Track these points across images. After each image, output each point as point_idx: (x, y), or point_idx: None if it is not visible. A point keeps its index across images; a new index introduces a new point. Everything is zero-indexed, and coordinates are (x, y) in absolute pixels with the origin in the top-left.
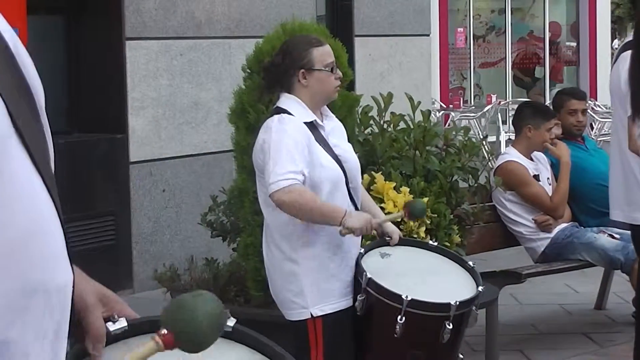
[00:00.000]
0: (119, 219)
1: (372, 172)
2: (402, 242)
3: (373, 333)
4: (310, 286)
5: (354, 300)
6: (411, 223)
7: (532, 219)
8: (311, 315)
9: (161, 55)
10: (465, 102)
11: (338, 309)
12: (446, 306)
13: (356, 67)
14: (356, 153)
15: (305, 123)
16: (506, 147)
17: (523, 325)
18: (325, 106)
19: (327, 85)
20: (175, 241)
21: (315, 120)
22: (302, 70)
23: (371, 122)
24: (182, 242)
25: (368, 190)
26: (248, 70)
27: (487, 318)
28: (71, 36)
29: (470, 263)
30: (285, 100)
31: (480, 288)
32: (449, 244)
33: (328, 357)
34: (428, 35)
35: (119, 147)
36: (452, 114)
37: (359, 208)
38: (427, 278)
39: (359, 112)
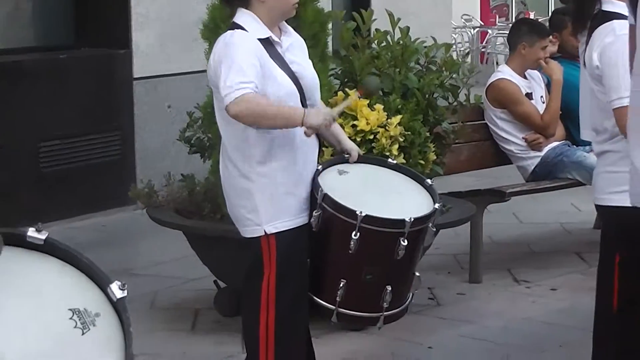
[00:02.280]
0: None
1: (346, 89)
2: (361, 160)
3: (328, 249)
4: (264, 203)
5: (310, 217)
6: (383, 141)
7: (522, 138)
8: (265, 232)
9: None
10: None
11: (292, 227)
12: (400, 222)
13: None
14: (336, 69)
15: (259, 39)
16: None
17: (518, 244)
18: (285, 22)
19: (283, 2)
20: (181, 157)
21: (270, 36)
22: None
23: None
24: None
25: None
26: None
27: (471, 235)
28: None
29: (428, 181)
30: (241, 16)
31: (436, 205)
32: (423, 162)
33: (281, 275)
34: None
35: (123, 62)
36: (489, 31)
37: None
38: (384, 195)
39: (343, 29)
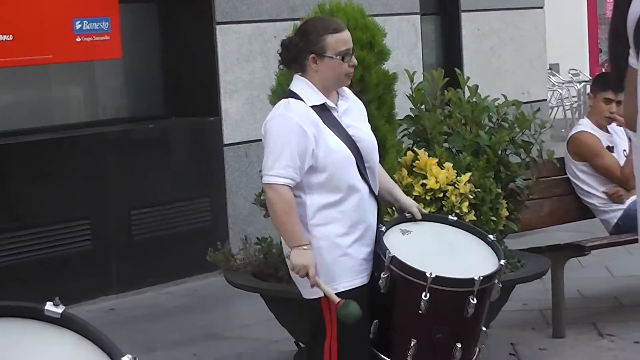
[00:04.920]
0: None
1: (415, 149)
2: (423, 218)
3: (397, 310)
4: (323, 265)
5: (371, 277)
6: (453, 198)
7: (603, 191)
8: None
9: (254, 38)
10: None
11: (351, 287)
12: (470, 281)
13: (464, 43)
14: (409, 129)
15: (314, 106)
16: None
17: (607, 297)
18: (344, 87)
19: (336, 72)
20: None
21: (325, 102)
22: (313, 55)
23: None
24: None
25: (411, 166)
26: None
27: (552, 290)
28: (163, 23)
29: (491, 237)
30: (296, 83)
31: (502, 262)
32: (495, 219)
33: (343, 334)
34: (541, 7)
35: (213, 129)
36: None
37: (373, 187)
38: (449, 253)
39: (412, 89)
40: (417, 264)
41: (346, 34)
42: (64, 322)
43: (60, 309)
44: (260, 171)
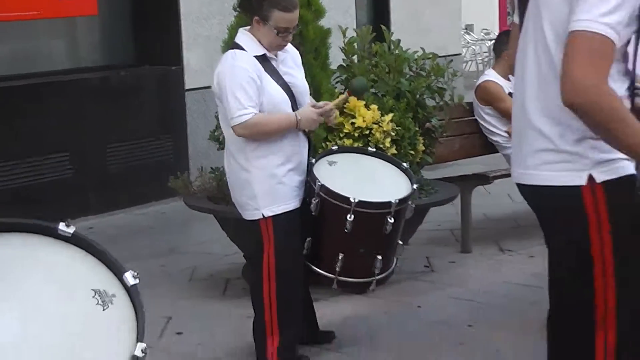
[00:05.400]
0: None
1: (350, 96)
2: (345, 150)
3: (327, 229)
4: (262, 191)
5: (303, 202)
6: (377, 135)
7: (505, 131)
8: (263, 215)
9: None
10: None
11: (286, 210)
12: (388, 204)
13: (392, 5)
14: (341, 76)
15: (256, 56)
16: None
17: (508, 220)
18: None
19: (269, 40)
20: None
21: (266, 53)
22: (258, 18)
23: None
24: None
25: (342, 108)
26: (238, 10)
27: (461, 213)
28: None
29: (405, 164)
30: (241, 36)
31: (414, 186)
32: (413, 153)
33: (279, 250)
34: None
35: (176, 77)
36: None
37: None
38: (370, 180)
39: (345, 43)
40: (342, 190)
41: (293, 15)
42: (74, 240)
43: (71, 229)
44: (216, 113)
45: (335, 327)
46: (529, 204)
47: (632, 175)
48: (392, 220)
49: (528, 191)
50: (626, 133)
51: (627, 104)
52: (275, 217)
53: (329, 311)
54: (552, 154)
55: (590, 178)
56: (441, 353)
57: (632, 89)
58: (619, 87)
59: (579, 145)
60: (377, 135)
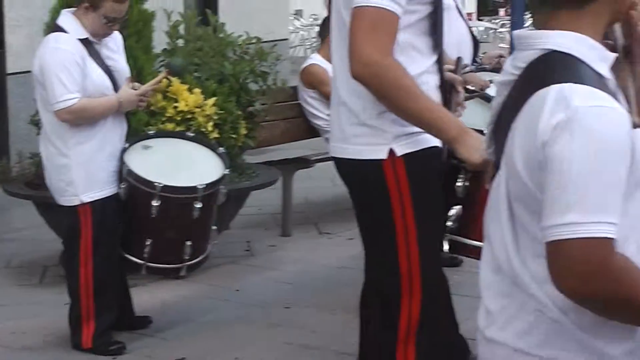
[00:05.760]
0: None
1: (169, 76)
2: (163, 135)
3: (134, 215)
4: (80, 177)
5: (119, 188)
6: (200, 119)
7: (327, 114)
8: (81, 201)
9: None
10: None
11: (104, 196)
12: (193, 189)
13: None
14: (165, 60)
15: (79, 39)
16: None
17: (329, 203)
18: None
19: (95, 28)
20: None
21: (88, 37)
22: (89, 5)
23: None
24: None
25: (165, 92)
26: None
27: (283, 197)
28: None
29: (221, 149)
30: (63, 18)
31: (226, 171)
32: (235, 136)
33: (96, 236)
34: None
35: None
36: None
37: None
38: (182, 165)
39: (169, 26)
40: (150, 175)
41: (124, 6)
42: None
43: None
44: (34, 99)
45: (153, 313)
46: (342, 179)
47: (434, 147)
48: (199, 206)
49: (340, 165)
50: (407, 99)
51: (434, 77)
52: (93, 203)
53: (148, 296)
54: (357, 127)
55: (391, 152)
56: (258, 334)
57: (440, 62)
58: (427, 60)
59: (380, 118)
60: (200, 119)
